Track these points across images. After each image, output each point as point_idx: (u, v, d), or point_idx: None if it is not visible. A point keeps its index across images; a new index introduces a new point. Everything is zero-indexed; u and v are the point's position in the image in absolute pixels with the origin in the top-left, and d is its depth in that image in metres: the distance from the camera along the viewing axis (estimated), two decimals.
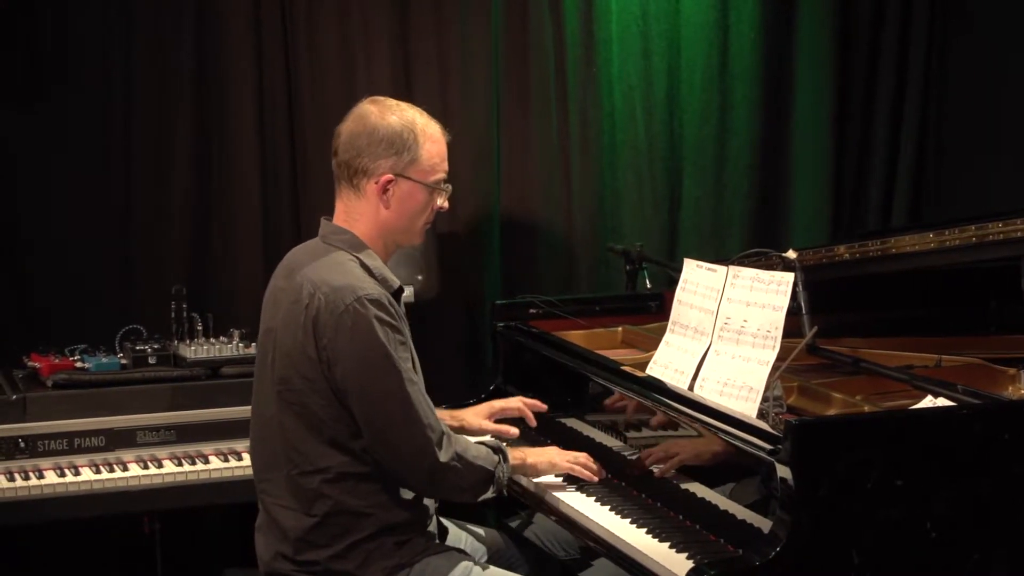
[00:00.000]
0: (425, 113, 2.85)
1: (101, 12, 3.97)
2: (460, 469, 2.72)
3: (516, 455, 2.92)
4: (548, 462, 2.99)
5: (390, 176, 2.77)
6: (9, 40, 3.87)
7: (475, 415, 3.25)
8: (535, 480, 3.08)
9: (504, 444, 2.91)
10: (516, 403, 3.30)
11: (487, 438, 3.02)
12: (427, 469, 2.68)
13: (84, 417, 3.53)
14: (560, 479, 3.08)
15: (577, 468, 2.98)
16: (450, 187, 2.88)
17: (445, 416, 3.18)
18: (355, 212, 2.81)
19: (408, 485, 2.75)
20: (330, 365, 2.65)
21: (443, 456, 2.68)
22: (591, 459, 3.03)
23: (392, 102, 2.84)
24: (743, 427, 2.60)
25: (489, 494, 2.81)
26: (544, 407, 3.32)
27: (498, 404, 3.29)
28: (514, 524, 3.39)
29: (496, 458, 2.82)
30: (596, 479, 2.98)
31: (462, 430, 3.14)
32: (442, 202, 2.87)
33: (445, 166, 2.85)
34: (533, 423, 3.29)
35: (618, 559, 2.68)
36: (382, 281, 2.75)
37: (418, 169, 2.79)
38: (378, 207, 2.79)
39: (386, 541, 2.71)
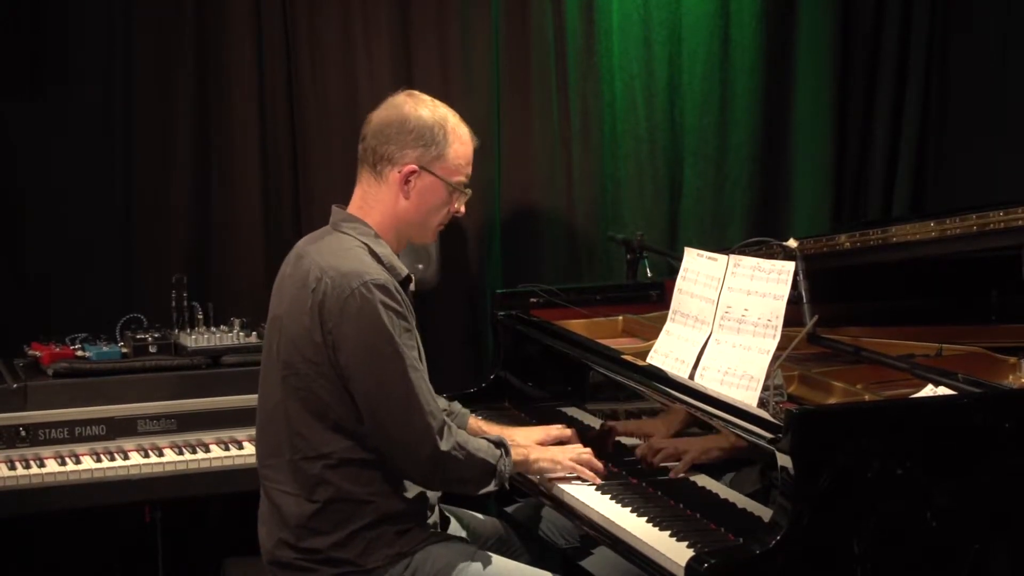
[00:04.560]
0: (458, 115, 2.87)
1: (103, 3, 3.96)
2: (461, 459, 2.72)
3: (519, 451, 2.90)
4: (551, 459, 2.96)
5: (414, 167, 2.78)
6: (11, 30, 3.87)
7: (525, 437, 3.12)
8: None
9: (506, 439, 2.89)
10: (568, 432, 3.18)
11: (490, 434, 2.98)
12: (428, 457, 2.67)
13: (85, 406, 3.53)
14: None
15: (579, 468, 2.96)
16: (470, 191, 2.88)
17: (495, 430, 3.13)
18: (373, 199, 2.82)
19: (409, 475, 2.75)
20: (335, 349, 2.66)
21: (444, 445, 2.68)
22: (594, 457, 3.00)
23: (427, 97, 2.86)
24: (744, 416, 2.60)
25: (491, 487, 2.80)
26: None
27: (554, 432, 3.16)
28: (515, 513, 3.39)
29: (498, 452, 2.81)
30: (599, 481, 2.95)
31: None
32: (459, 206, 2.88)
33: (469, 170, 2.87)
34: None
35: (619, 548, 2.68)
36: (390, 269, 2.75)
37: (443, 166, 2.80)
38: (397, 196, 2.80)
39: (387, 530, 2.72)
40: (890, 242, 3.29)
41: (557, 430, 3.18)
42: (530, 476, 3.02)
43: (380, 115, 2.83)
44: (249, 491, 3.03)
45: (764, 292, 2.79)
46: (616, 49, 4.52)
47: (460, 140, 2.84)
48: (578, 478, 2.96)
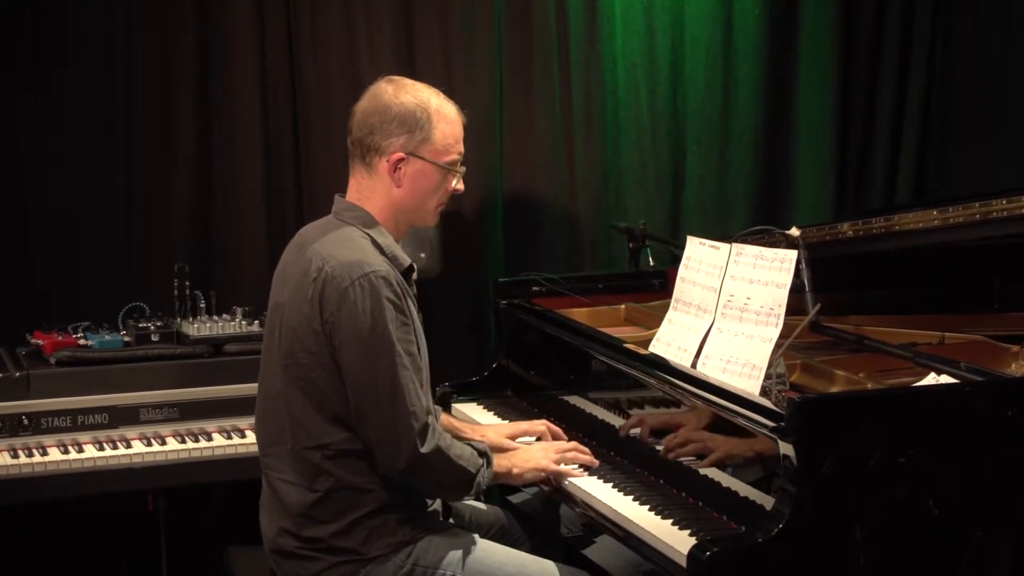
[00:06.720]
0: (442, 94, 2.84)
1: None
2: (440, 464, 2.69)
3: (502, 463, 2.87)
4: (534, 468, 2.92)
5: (401, 155, 2.76)
6: (12, 20, 3.86)
7: (496, 433, 3.15)
8: None
9: (489, 449, 2.86)
10: (541, 427, 3.18)
11: (475, 441, 2.94)
12: (406, 457, 2.64)
13: (87, 394, 3.54)
14: None
15: (565, 469, 2.93)
16: (464, 169, 2.86)
17: (466, 429, 3.15)
18: (367, 191, 2.80)
19: (387, 471, 2.69)
20: (331, 338, 2.65)
21: (424, 448, 2.65)
22: (580, 449, 2.98)
23: (408, 81, 2.83)
24: (746, 404, 2.60)
25: (468, 497, 2.79)
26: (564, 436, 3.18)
27: (523, 426, 3.19)
28: (517, 501, 3.39)
29: (480, 461, 2.78)
30: (585, 475, 2.92)
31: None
32: (456, 183, 2.86)
33: (460, 147, 2.83)
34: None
35: (621, 536, 2.68)
36: (392, 259, 2.74)
37: (431, 149, 2.78)
38: (390, 186, 2.78)
39: (388, 518, 2.71)
40: (893, 231, 3.28)
41: (527, 425, 3.18)
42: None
43: (363, 106, 2.80)
44: (251, 479, 3.03)
45: (767, 280, 2.79)
46: (618, 36, 4.51)
47: (445, 120, 2.80)
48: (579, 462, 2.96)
